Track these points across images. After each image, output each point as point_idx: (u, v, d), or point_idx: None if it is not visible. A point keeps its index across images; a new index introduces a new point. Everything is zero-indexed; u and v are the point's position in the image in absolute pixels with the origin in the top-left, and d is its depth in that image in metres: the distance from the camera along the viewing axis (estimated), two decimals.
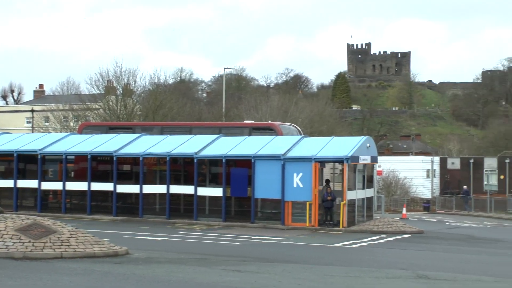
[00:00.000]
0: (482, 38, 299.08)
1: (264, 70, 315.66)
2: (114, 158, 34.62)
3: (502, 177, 73.47)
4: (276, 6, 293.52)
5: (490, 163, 75.21)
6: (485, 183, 73.52)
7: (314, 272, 17.51)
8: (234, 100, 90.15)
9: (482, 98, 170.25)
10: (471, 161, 75.76)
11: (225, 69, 78.74)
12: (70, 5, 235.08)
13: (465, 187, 62.78)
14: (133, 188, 34.99)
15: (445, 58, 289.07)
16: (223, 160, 33.01)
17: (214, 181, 35.15)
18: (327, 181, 33.04)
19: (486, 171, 74.55)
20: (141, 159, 34.33)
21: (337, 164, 34.01)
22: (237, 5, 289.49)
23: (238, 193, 33.17)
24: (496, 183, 73.30)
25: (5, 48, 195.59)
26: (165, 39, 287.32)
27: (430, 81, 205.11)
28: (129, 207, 35.39)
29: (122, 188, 34.95)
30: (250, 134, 37.70)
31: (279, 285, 15.18)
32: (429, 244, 27.09)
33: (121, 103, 58.67)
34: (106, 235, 23.58)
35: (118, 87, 60.93)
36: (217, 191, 33.40)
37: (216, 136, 35.78)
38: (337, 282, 15.91)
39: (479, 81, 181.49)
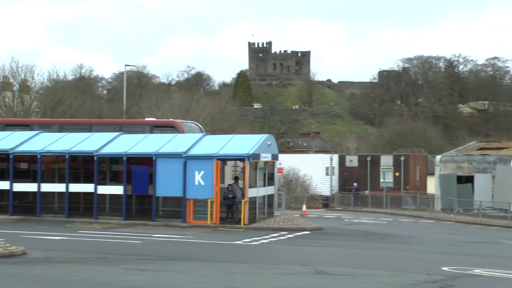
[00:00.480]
0: (378, 39, 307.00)
1: (166, 68, 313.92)
2: (11, 156, 33.69)
3: (397, 174, 75.64)
4: (179, 4, 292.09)
5: (386, 160, 77.28)
6: (382, 180, 75.57)
7: (215, 269, 17.54)
8: (135, 98, 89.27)
9: (378, 98, 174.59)
10: (368, 158, 77.60)
11: (126, 66, 77.43)
12: None
13: (355, 184, 64.14)
14: (30, 187, 34.10)
15: (344, 58, 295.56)
16: (124, 158, 32.63)
17: (114, 179, 34.66)
18: (236, 178, 33.18)
19: (382, 168, 76.59)
20: (39, 157, 33.53)
21: (238, 162, 34.20)
22: (140, 2, 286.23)
23: (139, 191, 32.85)
24: (392, 180, 75.43)
25: None
26: (65, 35, 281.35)
27: (329, 80, 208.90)
28: (26, 206, 34.43)
29: (19, 187, 34.04)
30: (151, 132, 37.39)
31: (180, 284, 15.14)
32: (328, 240, 27.58)
33: (18, 100, 57.08)
34: (2, 235, 22.93)
35: (14, 83, 59.27)
36: (118, 189, 32.97)
37: (116, 133, 35.35)
38: (238, 279, 16.00)
39: (375, 80, 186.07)
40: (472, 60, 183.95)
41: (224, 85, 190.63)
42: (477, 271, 18.42)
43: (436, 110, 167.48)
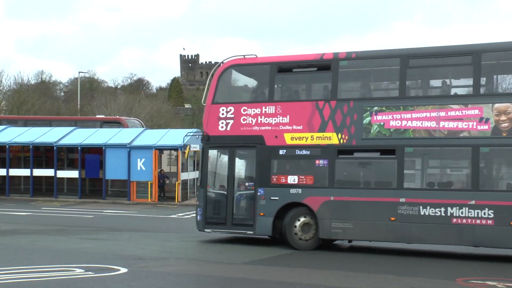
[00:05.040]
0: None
1: (119, 75, 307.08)
2: None
3: None
4: (130, 23, 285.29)
5: None
6: None
7: (154, 238, 17.42)
8: (88, 98, 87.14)
9: None
10: None
11: (80, 73, 76.08)
12: None
13: None
14: (0, 172, 33.11)
15: None
16: (79, 148, 32.02)
17: (71, 165, 33.97)
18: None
19: None
20: (7, 147, 32.55)
21: (173, 151, 34.01)
22: (95, 21, 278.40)
23: (91, 175, 32.30)
24: None
25: None
26: (32, 47, 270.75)
27: None
28: None
29: None
30: (101, 127, 36.78)
31: (125, 250, 14.98)
32: None
33: None
34: None
35: None
36: (74, 173, 32.35)
37: (72, 128, 34.61)
38: (173, 246, 15.93)
39: None
40: None
41: (160, 89, 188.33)
42: None
43: None
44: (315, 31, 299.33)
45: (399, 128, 14.72)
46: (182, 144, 31.51)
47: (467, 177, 14.45)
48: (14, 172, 33.04)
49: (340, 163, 15.17)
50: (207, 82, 17.11)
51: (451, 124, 14.40)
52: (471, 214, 14.01)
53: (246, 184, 16.20)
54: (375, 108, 14.92)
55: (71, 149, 33.36)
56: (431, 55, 15.32)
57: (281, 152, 15.62)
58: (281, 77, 16.24)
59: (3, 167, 33.05)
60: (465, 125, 14.32)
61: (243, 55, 16.65)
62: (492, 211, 13.89)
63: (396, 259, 14.57)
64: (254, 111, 15.92)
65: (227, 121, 16.24)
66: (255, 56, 16.70)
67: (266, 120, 15.77)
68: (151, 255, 13.88)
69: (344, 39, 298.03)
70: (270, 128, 15.71)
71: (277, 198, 15.49)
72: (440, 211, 14.20)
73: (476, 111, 14.26)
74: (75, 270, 11.63)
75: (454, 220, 14.11)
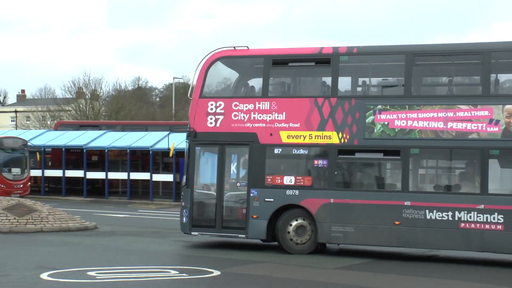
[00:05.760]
0: None
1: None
2: (84, 150, 33.97)
3: None
4: (222, 31, 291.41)
5: None
6: None
7: (245, 241, 17.43)
8: (182, 103, 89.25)
9: None
10: None
11: (174, 78, 78.15)
12: (55, 27, 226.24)
13: None
14: (100, 175, 34.46)
15: None
16: (174, 152, 32.74)
17: (166, 169, 34.85)
18: None
19: None
20: (106, 151, 33.79)
21: None
22: (190, 28, 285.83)
23: None
24: None
25: None
26: (130, 54, 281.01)
27: None
28: (97, 190, 34.83)
29: (91, 175, 34.43)
30: None
31: (218, 252, 15.13)
32: None
33: (89, 106, 57.61)
34: (78, 213, 23.07)
35: (86, 92, 59.78)
36: (169, 177, 33.11)
37: (167, 132, 35.48)
38: (264, 249, 15.92)
39: None
40: None
41: None
42: None
43: None
44: (410, 33, 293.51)
45: (405, 128, 14.17)
46: None
47: (475, 181, 13.90)
48: (112, 175, 34.29)
49: (341, 164, 14.63)
50: (194, 74, 15.94)
51: (459, 125, 13.85)
52: (479, 219, 13.49)
53: (238, 184, 15.58)
54: (379, 106, 14.32)
55: (166, 153, 34.17)
56: (438, 53, 14.79)
57: (276, 151, 14.86)
58: (276, 71, 15.47)
59: (102, 170, 34.40)
60: (474, 126, 13.75)
61: (233, 47, 15.61)
62: (502, 216, 13.35)
63: (485, 268, 13.94)
64: (246, 106, 15.04)
65: (217, 116, 15.35)
66: (246, 48, 15.65)
67: (260, 116, 14.91)
68: (243, 258, 13.97)
69: (441, 40, 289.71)
70: (264, 125, 14.87)
71: (272, 199, 14.74)
72: (448, 215, 13.68)
73: (486, 112, 13.69)
74: (170, 272, 11.88)
75: (462, 224, 13.61)
